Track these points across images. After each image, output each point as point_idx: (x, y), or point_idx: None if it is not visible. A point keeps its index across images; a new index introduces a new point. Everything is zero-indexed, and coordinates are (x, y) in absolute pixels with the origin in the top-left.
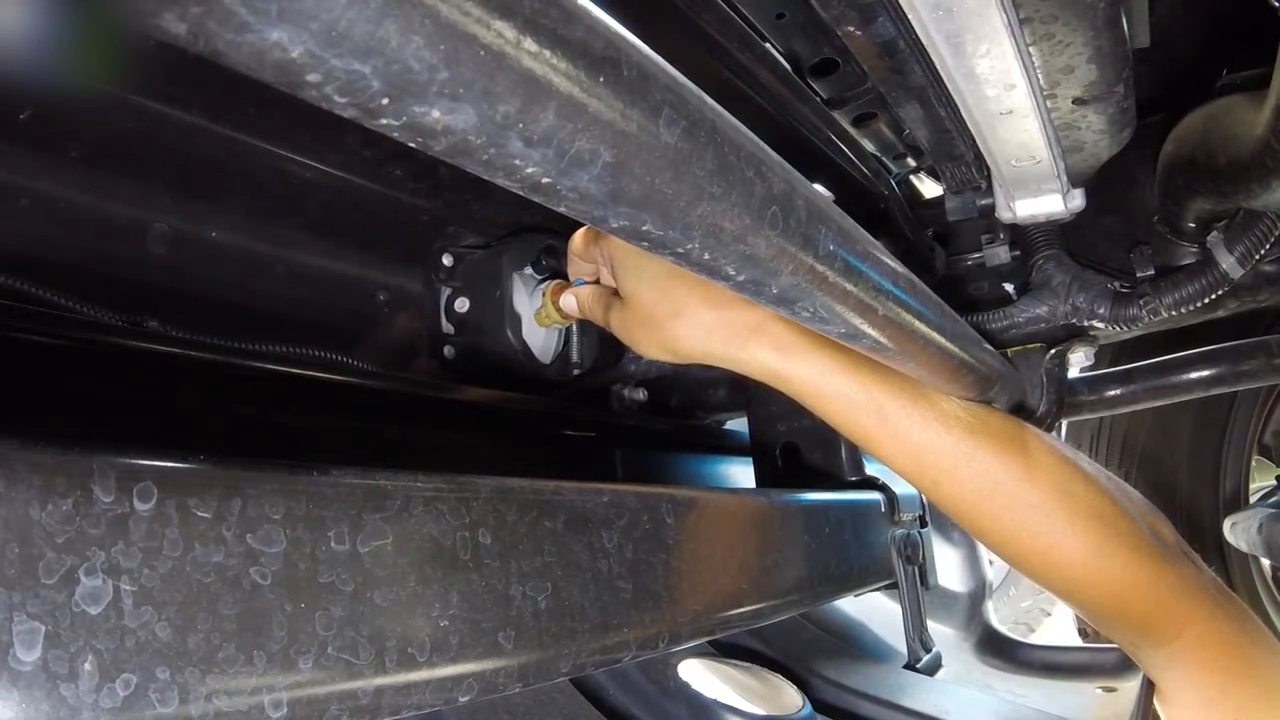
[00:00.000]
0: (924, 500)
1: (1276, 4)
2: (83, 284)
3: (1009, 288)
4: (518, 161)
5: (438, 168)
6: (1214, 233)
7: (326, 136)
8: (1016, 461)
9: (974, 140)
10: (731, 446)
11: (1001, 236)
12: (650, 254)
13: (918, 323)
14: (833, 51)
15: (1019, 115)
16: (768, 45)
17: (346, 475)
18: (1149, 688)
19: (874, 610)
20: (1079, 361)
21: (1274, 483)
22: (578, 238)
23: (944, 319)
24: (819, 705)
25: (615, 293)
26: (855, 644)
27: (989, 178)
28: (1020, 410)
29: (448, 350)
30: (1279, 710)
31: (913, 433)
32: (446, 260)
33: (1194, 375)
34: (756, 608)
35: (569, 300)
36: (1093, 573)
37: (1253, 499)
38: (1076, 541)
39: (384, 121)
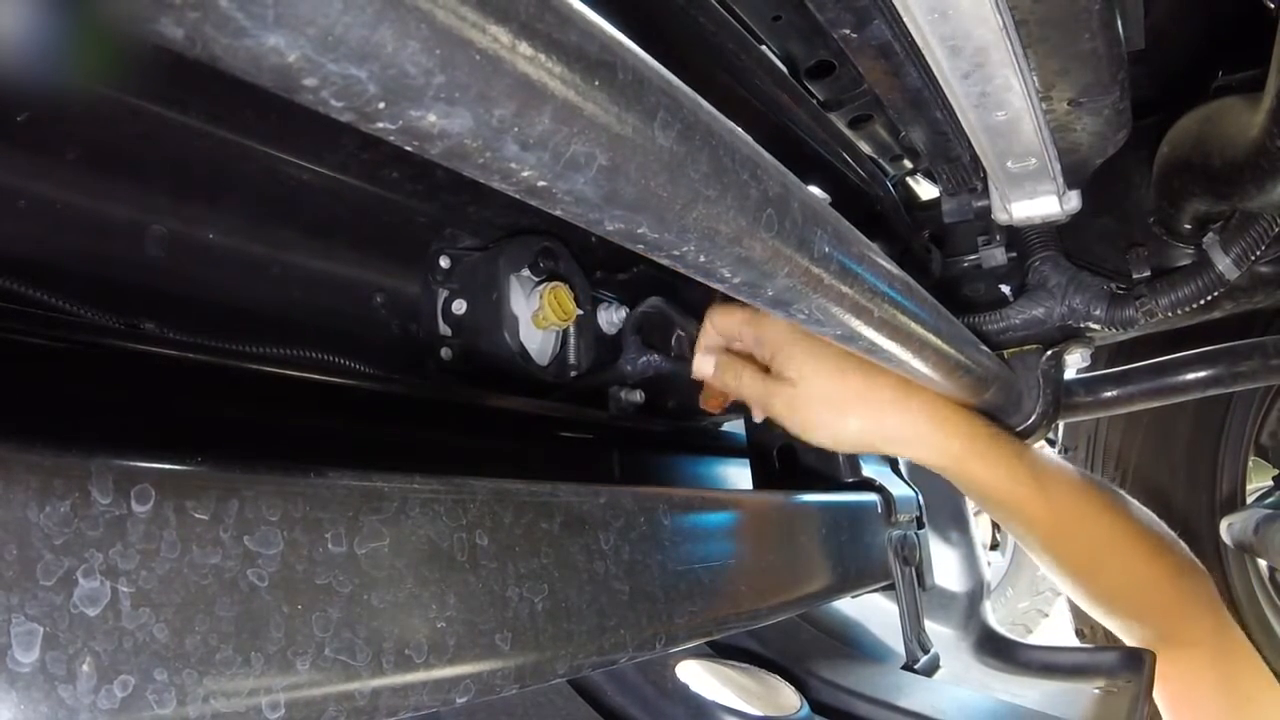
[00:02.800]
0: (920, 501)
1: (1272, 4)
2: (80, 286)
3: (1005, 289)
4: (513, 165)
5: (435, 170)
6: (1210, 234)
7: (323, 139)
8: (1130, 527)
9: (970, 142)
10: (728, 448)
11: (998, 238)
12: (819, 339)
13: (914, 325)
14: (829, 54)
15: (1015, 117)
16: (764, 47)
17: (343, 477)
18: (1148, 688)
19: (872, 611)
20: (1075, 363)
21: (1270, 483)
22: (725, 316)
23: (940, 321)
24: (817, 706)
25: (766, 371)
26: (853, 645)
27: (985, 179)
28: (1016, 412)
29: (445, 352)
30: (1263, 706)
31: (1068, 506)
32: (443, 262)
33: (1190, 376)
34: (754, 609)
35: (708, 368)
36: (1152, 596)
37: (1249, 499)
38: (1153, 573)
39: (380, 125)
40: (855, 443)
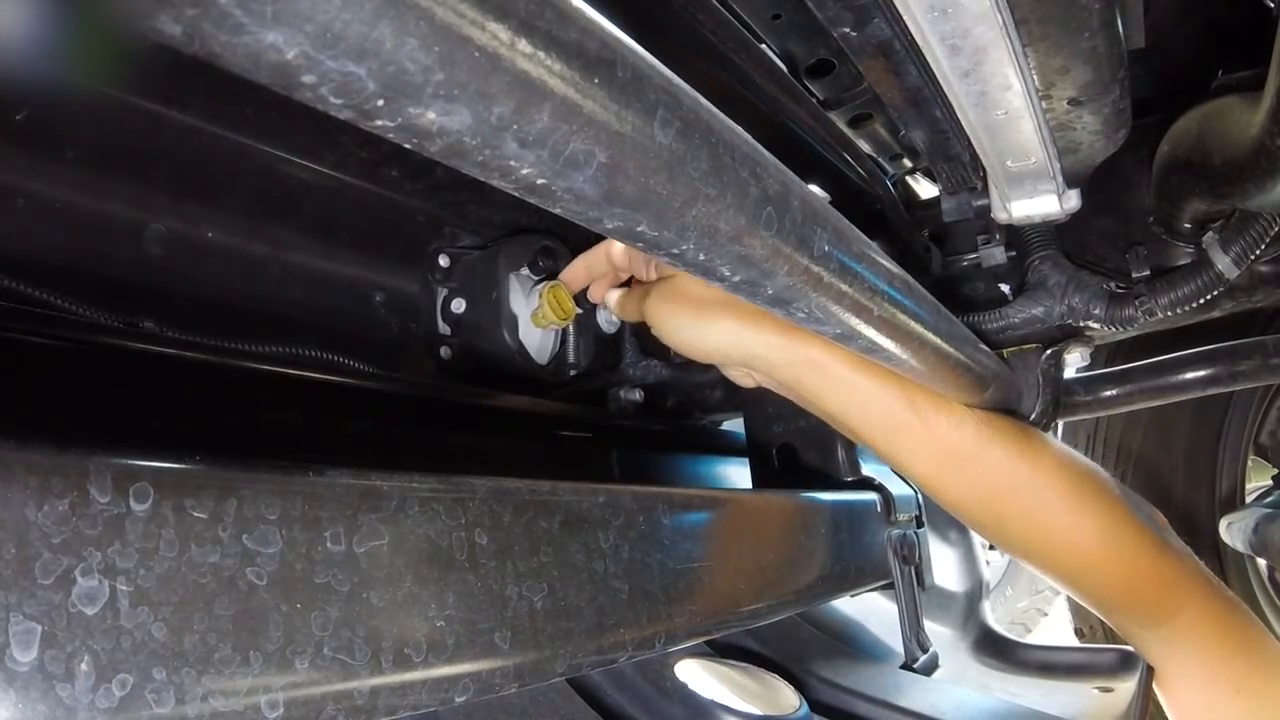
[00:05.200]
0: (920, 500)
1: (1272, 4)
2: (79, 285)
3: (1005, 288)
4: (513, 163)
5: (434, 168)
6: (1209, 233)
7: (323, 137)
8: (1026, 457)
9: (970, 141)
10: (728, 447)
11: (997, 237)
12: None
13: (913, 323)
14: (829, 53)
15: (1015, 116)
16: (763, 46)
17: (342, 476)
18: (1147, 688)
19: (871, 610)
20: (1075, 362)
21: (1270, 483)
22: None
23: (940, 320)
24: (816, 705)
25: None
26: (852, 644)
27: (985, 178)
28: (1016, 411)
29: (444, 351)
30: (1272, 684)
31: (940, 425)
32: (443, 261)
33: (1190, 375)
34: (753, 608)
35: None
36: (1099, 558)
37: (1249, 499)
38: (1084, 531)
39: (379, 123)
40: (720, 344)
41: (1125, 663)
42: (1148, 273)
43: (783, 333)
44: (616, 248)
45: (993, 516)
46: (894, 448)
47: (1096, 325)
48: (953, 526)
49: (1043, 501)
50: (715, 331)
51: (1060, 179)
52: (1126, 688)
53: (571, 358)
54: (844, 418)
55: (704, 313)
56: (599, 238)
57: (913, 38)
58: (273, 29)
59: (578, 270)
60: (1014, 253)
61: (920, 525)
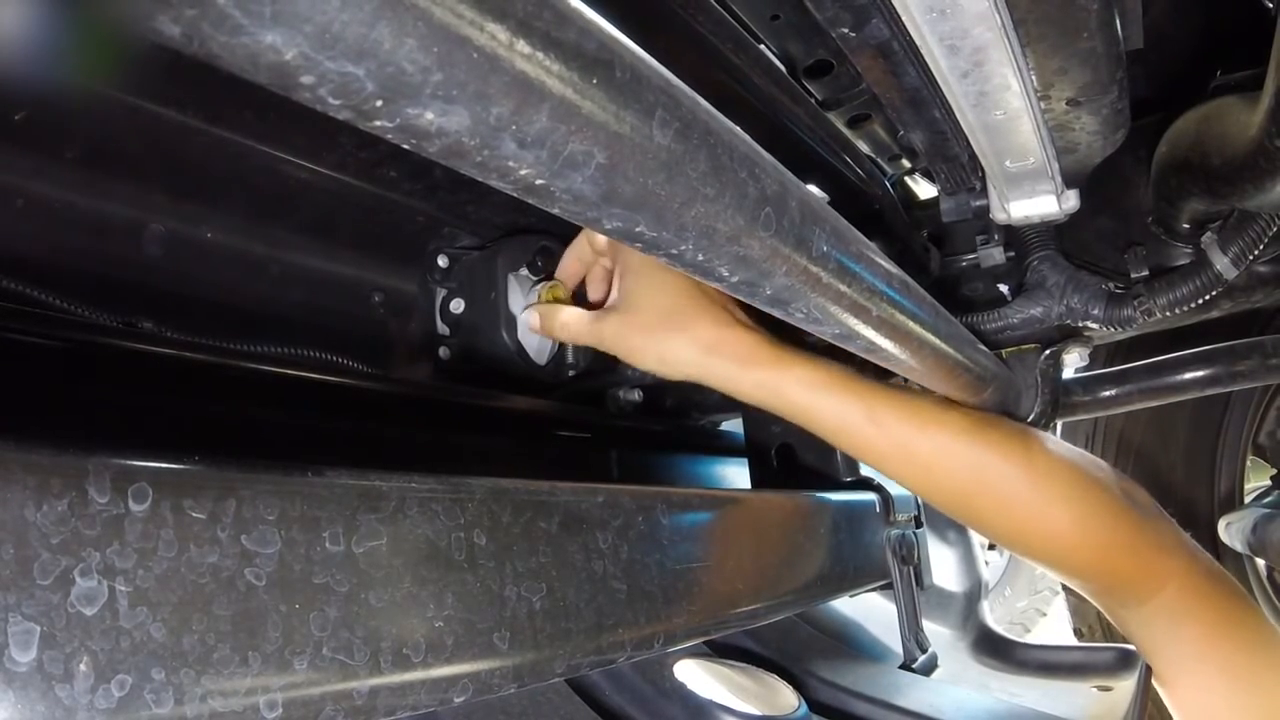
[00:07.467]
0: (919, 501)
1: (1271, 4)
2: (78, 285)
3: (1004, 289)
4: (511, 163)
5: (433, 169)
6: (1208, 234)
7: (321, 138)
8: (999, 454)
9: (968, 141)
10: (727, 447)
11: (996, 237)
12: (666, 267)
13: (912, 324)
14: (827, 53)
15: (1013, 117)
16: (762, 47)
17: (341, 476)
18: (1146, 686)
19: (870, 610)
20: (1074, 362)
21: (1268, 483)
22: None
23: (938, 320)
24: (815, 705)
25: (602, 306)
26: (851, 644)
27: (983, 179)
28: (1014, 412)
29: (443, 351)
30: (1260, 662)
31: (902, 434)
32: (442, 261)
33: (1189, 376)
34: (752, 608)
35: (551, 317)
36: (1078, 537)
37: (1248, 499)
38: (1055, 519)
39: (378, 123)
40: (681, 370)
41: (1124, 662)
42: (1146, 273)
43: (738, 359)
44: (598, 236)
45: (965, 509)
46: (859, 454)
47: (1095, 325)
48: (951, 526)
49: (1014, 494)
50: (673, 360)
51: (1059, 179)
52: (1125, 686)
53: (570, 358)
54: (809, 429)
55: (662, 343)
56: None
57: (911, 38)
58: (271, 30)
59: (569, 265)
60: (1013, 253)
61: (919, 525)
